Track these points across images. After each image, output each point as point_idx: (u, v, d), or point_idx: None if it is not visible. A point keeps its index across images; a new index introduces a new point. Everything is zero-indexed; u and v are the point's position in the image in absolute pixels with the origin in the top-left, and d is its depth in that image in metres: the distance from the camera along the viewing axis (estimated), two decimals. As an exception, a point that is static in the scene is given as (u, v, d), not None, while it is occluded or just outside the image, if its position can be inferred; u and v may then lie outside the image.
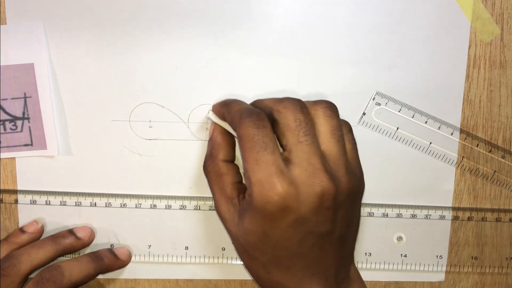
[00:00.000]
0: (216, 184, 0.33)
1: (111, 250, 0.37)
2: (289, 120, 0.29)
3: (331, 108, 0.30)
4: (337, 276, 0.31)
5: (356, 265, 0.33)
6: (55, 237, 0.36)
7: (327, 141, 0.29)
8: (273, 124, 0.29)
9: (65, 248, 0.36)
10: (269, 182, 0.28)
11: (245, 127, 0.29)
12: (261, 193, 0.28)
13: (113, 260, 0.37)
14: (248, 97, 0.36)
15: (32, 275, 0.34)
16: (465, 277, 0.40)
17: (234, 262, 0.38)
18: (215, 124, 0.34)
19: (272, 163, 0.28)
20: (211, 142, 0.33)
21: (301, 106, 0.29)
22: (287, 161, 0.28)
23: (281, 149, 0.29)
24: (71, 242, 0.36)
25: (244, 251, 0.31)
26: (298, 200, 0.28)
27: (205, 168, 0.34)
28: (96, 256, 0.36)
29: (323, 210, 0.28)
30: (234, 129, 0.31)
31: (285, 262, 0.30)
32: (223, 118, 0.33)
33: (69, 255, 0.37)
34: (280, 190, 0.27)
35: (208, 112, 0.34)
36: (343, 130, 0.31)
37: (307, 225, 0.29)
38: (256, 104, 0.32)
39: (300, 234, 0.29)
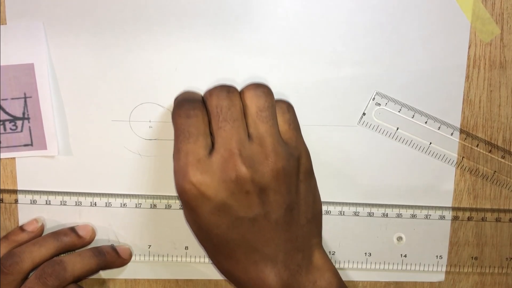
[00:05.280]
0: None
1: (113, 247, 0.37)
2: (212, 107, 0.29)
3: (258, 88, 0.30)
4: (288, 263, 0.30)
5: (327, 254, 0.32)
6: (57, 235, 0.36)
7: (254, 122, 0.29)
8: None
9: (66, 246, 0.36)
10: (183, 171, 0.28)
11: (175, 117, 0.29)
12: (177, 183, 0.28)
13: (114, 257, 0.37)
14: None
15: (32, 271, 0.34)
16: (465, 277, 0.40)
17: (234, 262, 0.38)
18: None
19: (191, 153, 0.28)
20: None
21: (227, 92, 0.29)
22: (212, 148, 0.28)
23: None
24: (73, 240, 0.36)
25: (199, 242, 0.31)
26: (212, 187, 0.27)
27: None
28: (98, 251, 0.36)
29: (243, 194, 0.28)
30: None
31: (225, 251, 0.29)
32: None
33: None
34: (192, 179, 0.27)
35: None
36: (279, 110, 0.30)
37: (231, 211, 0.28)
38: (204, 94, 0.32)
39: (226, 220, 0.28)
